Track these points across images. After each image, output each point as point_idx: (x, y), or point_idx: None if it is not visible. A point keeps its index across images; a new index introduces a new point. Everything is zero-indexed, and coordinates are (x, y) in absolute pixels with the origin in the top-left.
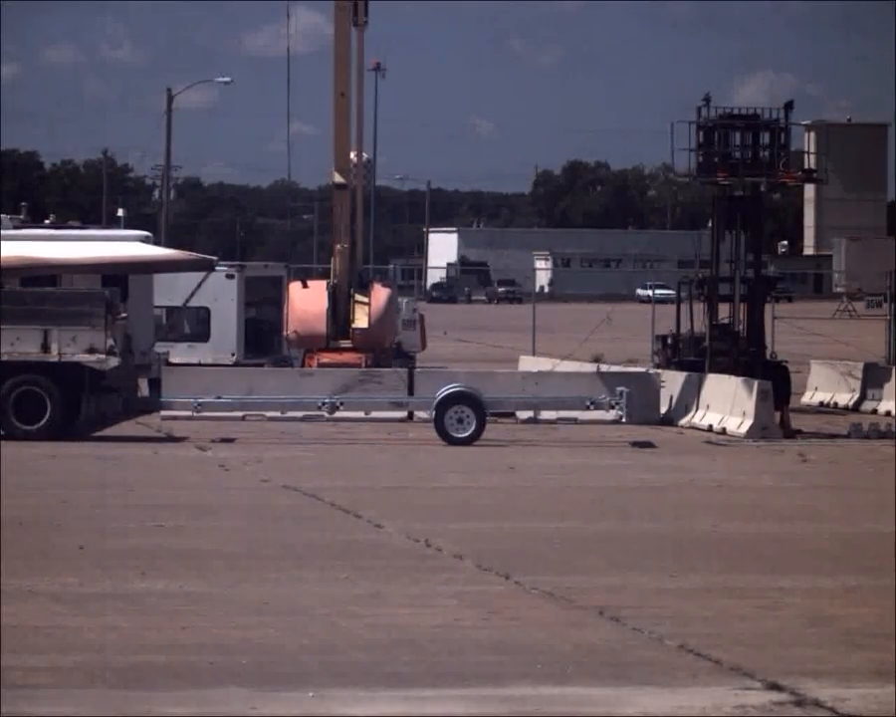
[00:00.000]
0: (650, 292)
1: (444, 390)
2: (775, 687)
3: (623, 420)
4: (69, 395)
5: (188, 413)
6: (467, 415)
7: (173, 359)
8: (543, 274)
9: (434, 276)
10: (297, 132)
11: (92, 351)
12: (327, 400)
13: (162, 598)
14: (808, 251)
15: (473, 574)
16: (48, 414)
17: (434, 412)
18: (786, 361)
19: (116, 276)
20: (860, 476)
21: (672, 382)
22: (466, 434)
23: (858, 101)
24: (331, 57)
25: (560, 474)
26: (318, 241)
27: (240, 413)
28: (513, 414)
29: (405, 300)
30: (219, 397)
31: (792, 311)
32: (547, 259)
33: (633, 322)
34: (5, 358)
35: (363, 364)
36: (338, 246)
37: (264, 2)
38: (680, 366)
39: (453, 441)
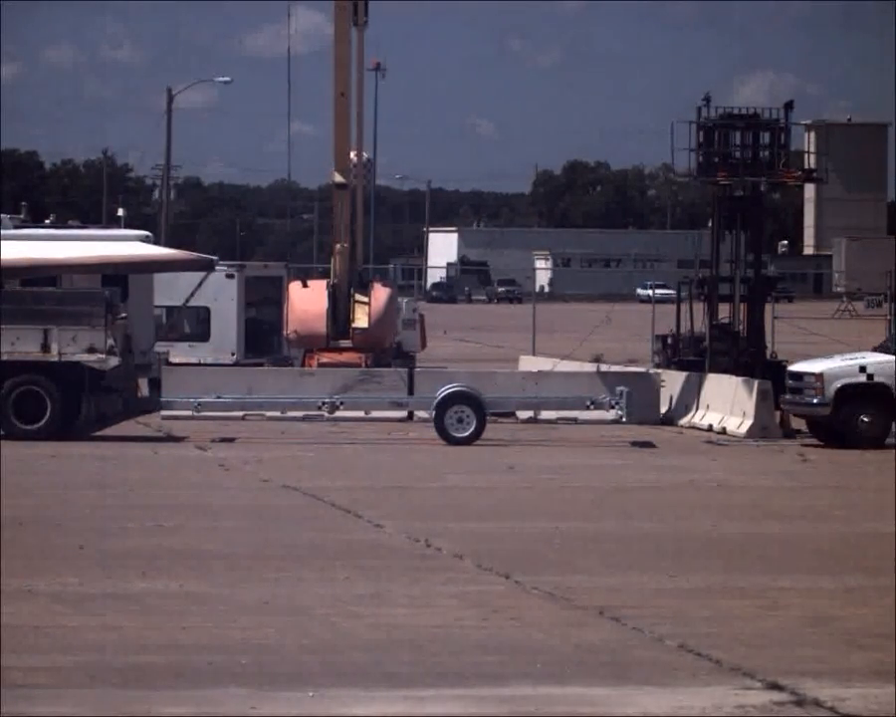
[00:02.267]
0: (650, 292)
1: (444, 390)
2: (775, 687)
3: (623, 420)
4: (69, 395)
5: (188, 413)
6: (467, 415)
7: (173, 359)
8: (543, 274)
9: (434, 276)
10: (297, 132)
11: (92, 350)
12: (327, 400)
13: (162, 598)
14: (808, 251)
15: (473, 574)
16: (48, 414)
17: (434, 412)
18: (787, 361)
19: (116, 276)
20: (860, 476)
21: (672, 382)
22: (466, 434)
23: (858, 101)
24: (331, 57)
25: (561, 474)
26: (318, 241)
27: (240, 413)
28: (513, 414)
29: (405, 300)
30: (219, 397)
31: (792, 311)
32: (547, 259)
33: (633, 322)
34: (5, 357)
35: (363, 364)
36: (338, 246)
37: (264, 2)
38: (680, 366)
39: (453, 441)
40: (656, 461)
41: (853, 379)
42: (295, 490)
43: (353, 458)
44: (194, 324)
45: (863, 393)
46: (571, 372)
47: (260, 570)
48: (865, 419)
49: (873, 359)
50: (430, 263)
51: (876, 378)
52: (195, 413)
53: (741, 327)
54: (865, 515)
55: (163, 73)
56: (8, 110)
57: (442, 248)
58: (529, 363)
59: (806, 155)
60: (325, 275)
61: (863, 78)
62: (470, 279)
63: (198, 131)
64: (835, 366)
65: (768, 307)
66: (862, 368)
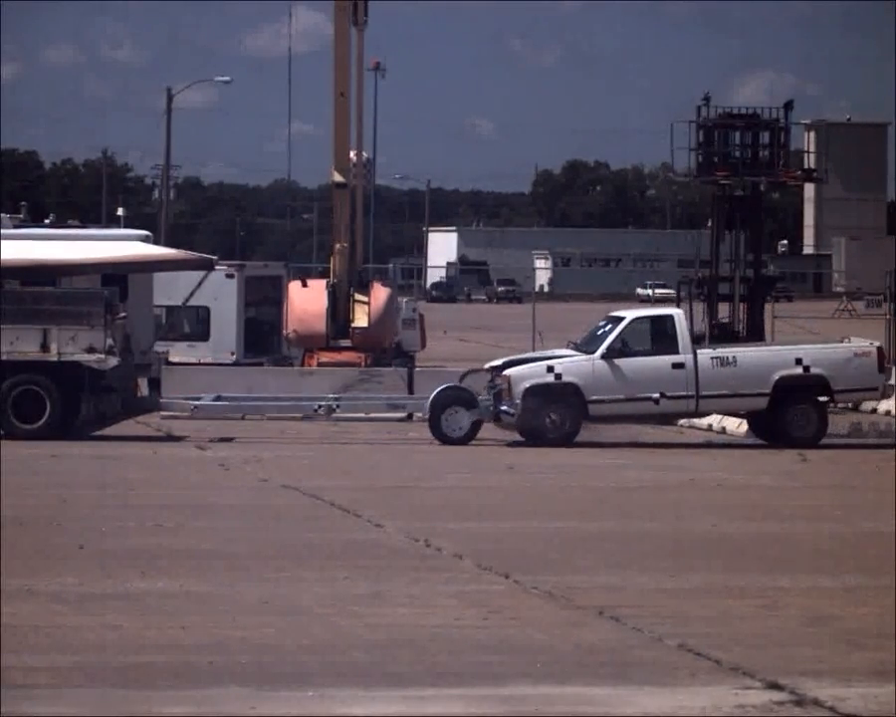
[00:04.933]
0: (650, 291)
1: (438, 389)
2: (774, 687)
3: None
4: (68, 395)
5: (187, 413)
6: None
7: (173, 359)
8: (542, 273)
9: (434, 275)
10: (297, 132)
11: (91, 350)
12: (323, 403)
13: (162, 598)
14: (808, 251)
15: (473, 573)
16: (47, 414)
17: (429, 412)
18: None
19: (116, 276)
20: (860, 476)
21: None
22: (461, 434)
23: (858, 101)
24: (331, 57)
25: (560, 474)
26: (318, 241)
27: (239, 412)
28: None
29: (405, 299)
30: (219, 397)
31: (792, 310)
32: (546, 258)
33: None
34: (5, 357)
35: (363, 364)
36: (338, 245)
37: (264, 2)
38: None
39: (448, 441)
40: (656, 461)
41: (540, 380)
42: (294, 490)
43: (353, 458)
44: (194, 323)
45: (551, 393)
46: None
47: (260, 569)
48: (553, 418)
49: (561, 359)
50: (430, 263)
51: (564, 378)
52: (195, 413)
53: (741, 326)
54: (865, 515)
55: (163, 73)
56: (8, 110)
57: (442, 248)
58: None
59: (806, 155)
60: (324, 275)
61: (863, 78)
62: (470, 279)
63: (198, 131)
64: (523, 367)
65: (767, 306)
66: (550, 368)
